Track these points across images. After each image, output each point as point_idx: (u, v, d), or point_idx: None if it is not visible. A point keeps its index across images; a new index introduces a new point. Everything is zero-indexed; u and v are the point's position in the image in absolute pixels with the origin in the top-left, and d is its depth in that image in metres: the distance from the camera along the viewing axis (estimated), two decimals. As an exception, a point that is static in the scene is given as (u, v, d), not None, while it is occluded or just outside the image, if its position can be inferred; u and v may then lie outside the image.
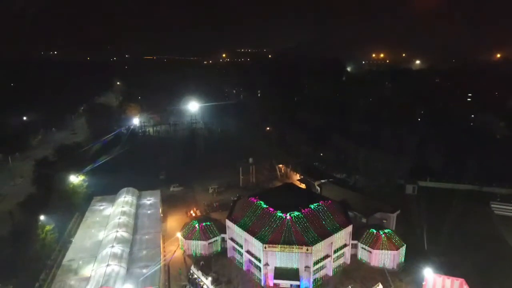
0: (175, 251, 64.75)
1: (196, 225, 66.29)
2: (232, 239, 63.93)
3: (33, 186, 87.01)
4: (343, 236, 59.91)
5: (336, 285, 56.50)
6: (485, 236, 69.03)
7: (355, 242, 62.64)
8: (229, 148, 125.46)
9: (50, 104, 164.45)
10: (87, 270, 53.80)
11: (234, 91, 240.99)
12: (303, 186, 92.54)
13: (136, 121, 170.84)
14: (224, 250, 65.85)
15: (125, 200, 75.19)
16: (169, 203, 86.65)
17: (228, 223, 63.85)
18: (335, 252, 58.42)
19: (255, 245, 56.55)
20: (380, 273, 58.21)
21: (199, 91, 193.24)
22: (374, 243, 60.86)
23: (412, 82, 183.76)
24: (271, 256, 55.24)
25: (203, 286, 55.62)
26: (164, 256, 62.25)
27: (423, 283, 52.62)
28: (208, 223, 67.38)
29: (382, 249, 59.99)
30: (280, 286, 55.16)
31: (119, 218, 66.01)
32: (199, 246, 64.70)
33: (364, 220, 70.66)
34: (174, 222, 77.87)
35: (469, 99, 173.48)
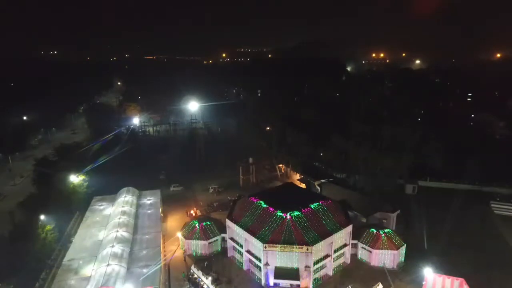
0: (175, 250, 64.80)
1: (196, 225, 66.35)
2: (232, 239, 63.99)
3: (33, 186, 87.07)
4: (343, 235, 59.96)
5: (336, 285, 56.54)
6: (485, 236, 69.22)
7: (355, 241, 62.71)
8: (229, 147, 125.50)
9: (50, 104, 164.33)
10: (88, 270, 53.83)
11: (234, 91, 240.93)
12: (303, 185, 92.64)
13: (136, 120, 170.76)
14: (224, 249, 65.91)
15: (125, 199, 75.21)
16: (169, 203, 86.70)
17: (228, 222, 63.89)
18: (335, 251, 58.46)
19: (255, 245, 56.59)
20: (380, 273, 58.18)
21: (199, 90, 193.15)
22: (374, 243, 60.91)
23: (412, 82, 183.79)
24: (271, 255, 55.26)
25: (203, 286, 55.67)
26: (164, 256, 62.32)
27: (423, 283, 52.55)
28: (208, 223, 67.44)
29: (382, 249, 60.06)
30: (280, 285, 55.16)
31: (119, 218, 66.03)
32: (199, 246, 64.76)
33: (364, 220, 70.71)
34: (174, 221, 77.95)
35: (469, 99, 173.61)
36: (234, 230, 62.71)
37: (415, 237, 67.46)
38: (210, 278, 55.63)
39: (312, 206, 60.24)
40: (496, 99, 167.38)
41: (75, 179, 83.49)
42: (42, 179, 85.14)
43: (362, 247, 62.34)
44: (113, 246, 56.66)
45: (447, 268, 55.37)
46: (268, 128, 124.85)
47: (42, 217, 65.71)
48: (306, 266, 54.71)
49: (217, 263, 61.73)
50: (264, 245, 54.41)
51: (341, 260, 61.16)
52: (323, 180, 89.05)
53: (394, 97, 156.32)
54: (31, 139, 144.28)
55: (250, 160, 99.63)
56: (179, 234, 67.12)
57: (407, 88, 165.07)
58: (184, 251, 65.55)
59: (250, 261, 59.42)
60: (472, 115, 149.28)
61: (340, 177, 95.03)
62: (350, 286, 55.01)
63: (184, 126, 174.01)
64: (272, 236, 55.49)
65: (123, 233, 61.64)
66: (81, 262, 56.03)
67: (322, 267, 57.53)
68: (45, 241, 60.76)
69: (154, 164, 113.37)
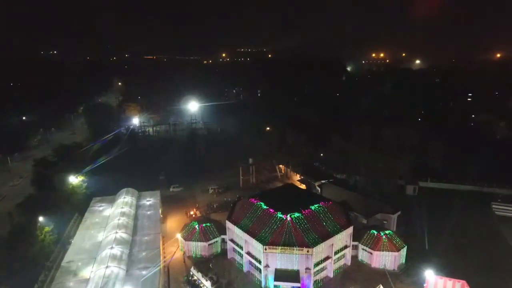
0: (174, 252, 64.39)
1: (196, 226, 65.97)
2: (232, 240, 63.63)
3: (32, 187, 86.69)
4: (343, 237, 59.61)
5: (336, 287, 56.19)
6: (486, 237, 68.85)
7: (355, 243, 62.35)
8: (229, 148, 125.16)
9: (50, 104, 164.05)
10: (86, 272, 53.35)
11: (234, 91, 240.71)
12: (303, 186, 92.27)
13: (135, 121, 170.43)
14: (224, 251, 65.54)
15: (125, 200, 74.77)
16: (169, 204, 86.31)
17: (228, 224, 63.53)
18: (335, 253, 58.11)
19: (255, 247, 56.23)
20: (381, 275, 57.82)
21: (199, 90, 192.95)
22: (375, 244, 60.56)
23: (412, 82, 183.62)
24: (271, 257, 54.89)
25: (203, 288, 55.34)
26: (164, 257, 61.89)
27: (424, 285, 52.38)
28: (208, 224, 67.06)
29: (383, 251, 59.68)
30: None
31: (119, 219, 65.61)
32: (199, 247, 64.38)
33: (364, 221, 70.39)
34: (174, 223, 77.56)
35: (469, 99, 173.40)
36: (234, 231, 62.34)
37: (416, 238, 67.07)
38: (209, 280, 55.26)
39: (313, 207, 59.85)
40: (496, 99, 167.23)
41: (74, 180, 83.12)
42: (41, 180, 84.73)
43: (363, 249, 61.98)
44: (112, 247, 56.23)
45: (448, 269, 55.00)
46: (268, 128, 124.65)
47: (40, 218, 65.30)
48: (307, 268, 54.37)
49: (217, 264, 61.36)
50: (264, 247, 54.06)
51: (341, 262, 60.80)
52: (323, 181, 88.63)
53: (394, 97, 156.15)
54: (31, 139, 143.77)
55: (250, 160, 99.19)
56: (178, 236, 66.74)
57: (407, 88, 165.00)
58: (184, 252, 65.18)
59: (250, 263, 59.06)
60: (473, 115, 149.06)
61: (340, 178, 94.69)
62: (350, 288, 54.75)
63: (184, 126, 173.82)
64: (272, 238, 55.12)
65: (122, 234, 61.23)
66: (80, 264, 55.55)
67: (322, 269, 57.19)
68: (43, 243, 60.33)
69: (153, 164, 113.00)
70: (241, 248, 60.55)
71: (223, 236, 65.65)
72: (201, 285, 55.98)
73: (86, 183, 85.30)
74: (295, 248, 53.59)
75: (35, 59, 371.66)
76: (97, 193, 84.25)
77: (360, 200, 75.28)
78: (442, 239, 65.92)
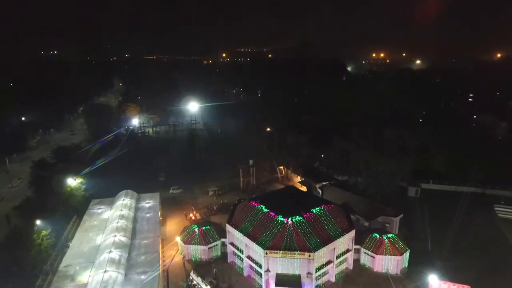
0: (174, 256, 63.51)
1: (196, 229, 65.10)
2: (232, 244, 62.77)
3: (30, 189, 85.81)
4: (345, 241, 58.73)
5: (338, 292, 55.41)
6: (489, 240, 67.97)
7: (357, 247, 61.46)
8: (229, 149, 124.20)
9: (49, 105, 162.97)
10: (84, 276, 52.47)
11: (234, 91, 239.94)
12: (304, 188, 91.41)
13: (135, 121, 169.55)
14: (224, 255, 64.67)
15: (124, 203, 73.87)
16: (169, 206, 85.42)
17: (228, 227, 62.66)
18: (337, 257, 57.20)
19: (256, 251, 55.36)
20: (384, 279, 57.01)
21: (199, 91, 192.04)
22: (377, 248, 59.64)
23: (413, 82, 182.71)
24: (272, 262, 54.00)
25: (203, 293, 54.49)
26: (163, 261, 61.01)
27: (428, 290, 51.57)
28: (208, 227, 66.16)
29: (385, 254, 58.72)
30: None
31: (118, 222, 64.69)
32: (198, 251, 63.51)
33: (366, 224, 69.47)
34: (173, 225, 76.70)
35: (470, 99, 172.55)
36: (234, 235, 61.48)
37: (419, 241, 66.28)
38: (209, 285, 54.43)
39: (314, 210, 58.98)
40: (497, 99, 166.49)
41: (72, 182, 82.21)
42: (39, 182, 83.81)
43: (365, 253, 61.07)
44: (110, 251, 55.37)
45: (452, 273, 54.23)
46: (268, 129, 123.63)
47: (38, 222, 64.43)
48: (308, 273, 53.51)
49: (217, 268, 60.50)
50: (265, 251, 53.20)
51: (343, 266, 59.91)
52: (324, 183, 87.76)
53: (395, 98, 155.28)
54: (29, 140, 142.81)
55: (251, 162, 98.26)
56: (178, 239, 65.86)
57: (408, 89, 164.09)
58: (184, 256, 64.35)
59: (251, 267, 58.21)
60: (474, 116, 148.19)
61: (342, 180, 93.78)
62: (353, 292, 53.91)
63: (183, 127, 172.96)
64: (273, 242, 54.25)
65: (121, 238, 60.37)
66: (77, 268, 54.69)
67: (324, 274, 56.31)
68: (40, 247, 59.43)
69: (153, 165, 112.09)
70: (242, 252, 59.67)
71: (223, 240, 64.77)
72: (201, 289, 55.14)
73: (84, 185, 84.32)
74: (296, 253, 52.71)
75: (35, 59, 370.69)
76: (96, 194, 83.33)
77: (361, 203, 74.28)
78: (445, 241, 65.01)
